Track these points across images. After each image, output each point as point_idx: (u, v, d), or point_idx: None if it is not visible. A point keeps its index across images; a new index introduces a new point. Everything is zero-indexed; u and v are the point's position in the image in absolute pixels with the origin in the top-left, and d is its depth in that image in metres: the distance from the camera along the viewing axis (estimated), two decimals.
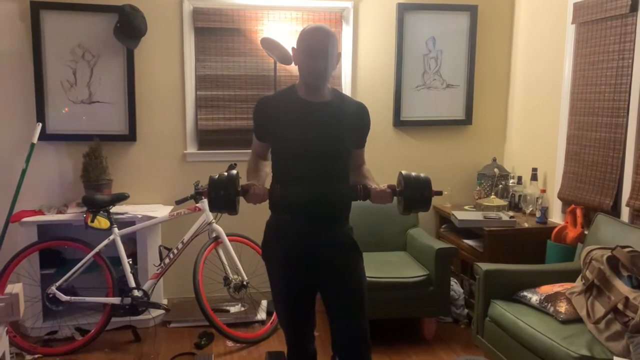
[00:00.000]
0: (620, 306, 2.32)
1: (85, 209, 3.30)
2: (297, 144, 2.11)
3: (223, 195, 1.94)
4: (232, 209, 1.99)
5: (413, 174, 2.04)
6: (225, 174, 1.99)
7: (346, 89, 3.93)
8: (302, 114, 2.12)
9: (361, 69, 3.96)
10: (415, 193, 1.98)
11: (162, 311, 3.48)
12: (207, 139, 3.84)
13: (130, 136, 3.69)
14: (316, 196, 2.07)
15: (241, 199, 2.04)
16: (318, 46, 2.04)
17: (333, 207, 2.14)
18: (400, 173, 2.05)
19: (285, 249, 2.15)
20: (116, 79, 3.64)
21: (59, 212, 3.46)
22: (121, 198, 3.36)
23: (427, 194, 1.99)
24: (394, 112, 4.01)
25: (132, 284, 3.27)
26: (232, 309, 3.63)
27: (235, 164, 3.40)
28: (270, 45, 3.52)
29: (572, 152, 3.42)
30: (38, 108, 3.54)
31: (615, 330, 2.29)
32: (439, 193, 2.04)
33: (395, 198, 2.05)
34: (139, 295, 3.26)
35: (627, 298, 2.31)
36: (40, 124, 3.43)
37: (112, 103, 3.65)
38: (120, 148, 3.71)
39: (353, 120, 2.20)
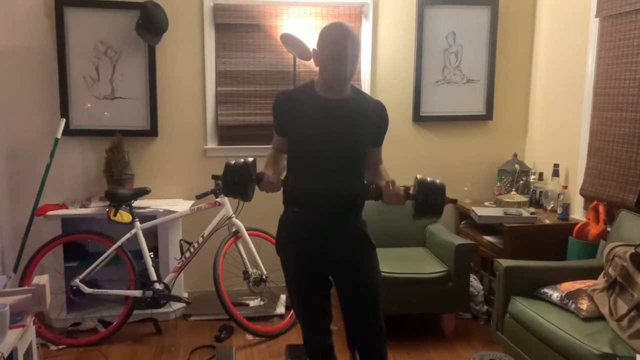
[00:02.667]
0: None
1: (107, 203, 3.35)
2: (313, 139, 2.12)
3: (237, 181, 1.97)
4: (245, 195, 2.02)
5: (429, 179, 2.01)
6: (242, 160, 2.01)
7: (365, 85, 3.93)
8: (320, 110, 2.12)
9: (380, 65, 3.95)
10: (427, 198, 1.94)
11: (182, 304, 3.53)
12: (227, 134, 3.87)
13: (151, 131, 3.73)
14: (328, 190, 2.07)
15: (260, 192, 2.05)
16: (341, 51, 2.02)
17: (345, 202, 2.15)
18: (416, 177, 2.03)
19: (297, 243, 2.17)
20: (138, 75, 3.68)
21: (83, 206, 3.52)
22: (143, 192, 3.40)
23: (440, 200, 1.95)
24: (414, 107, 4.00)
25: (154, 277, 3.32)
26: (252, 303, 3.66)
27: (255, 159, 3.42)
28: (290, 41, 3.53)
29: (595, 147, 3.37)
30: (62, 104, 3.60)
31: (639, 327, 2.27)
32: (454, 201, 2.01)
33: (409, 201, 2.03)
34: (160, 288, 3.31)
35: None
36: (64, 120, 3.49)
37: (134, 99, 3.70)
38: (142, 143, 3.76)
39: (371, 118, 2.19)
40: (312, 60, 3.66)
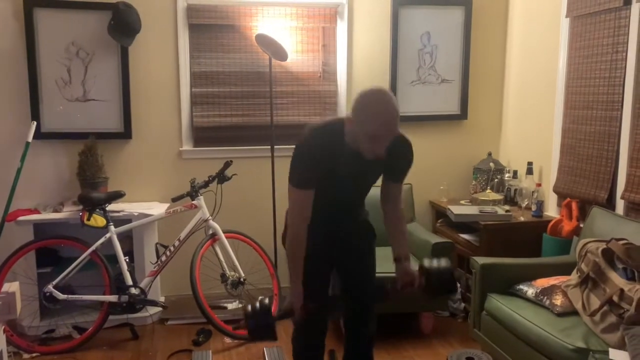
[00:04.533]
0: (615, 298, 2.33)
1: (81, 207, 3.29)
2: (336, 189, 2.09)
3: (263, 325, 1.95)
4: (273, 337, 2.00)
5: (434, 264, 2.07)
6: (257, 304, 1.97)
7: (341, 85, 3.93)
8: (351, 164, 2.02)
9: (356, 65, 3.96)
10: (442, 286, 2.05)
11: (159, 309, 3.49)
12: (203, 135, 3.84)
13: (125, 134, 3.68)
14: (337, 225, 2.20)
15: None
16: (384, 131, 1.85)
17: (354, 212, 2.26)
18: (423, 266, 2.09)
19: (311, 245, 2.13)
20: (111, 77, 3.63)
21: (55, 210, 3.46)
22: (117, 196, 3.35)
23: (452, 281, 2.06)
24: None
25: (129, 281, 3.27)
26: (230, 306, 3.63)
27: (231, 161, 3.41)
28: (265, 41, 3.52)
29: (567, 145, 3.43)
30: (33, 106, 3.53)
31: (611, 322, 2.31)
32: (456, 287, 2.14)
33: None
34: (136, 293, 3.26)
35: (622, 290, 2.32)
36: (35, 123, 3.42)
37: (107, 101, 3.64)
38: (116, 146, 3.70)
39: (396, 159, 2.10)
40: (287, 60, 3.67)
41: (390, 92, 1.90)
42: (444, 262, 2.07)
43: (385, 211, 2.27)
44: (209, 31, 3.75)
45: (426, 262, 2.09)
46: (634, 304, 2.23)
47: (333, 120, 2.09)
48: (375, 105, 1.84)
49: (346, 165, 2.01)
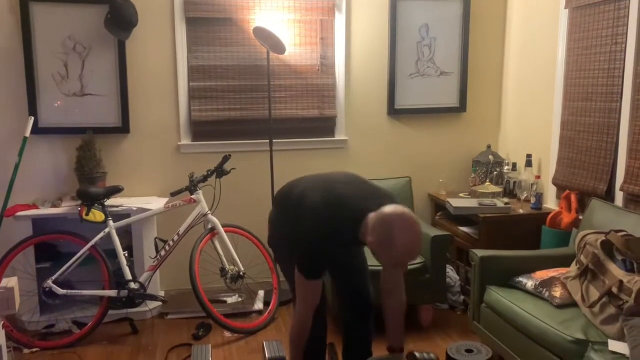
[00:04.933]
0: (614, 289, 2.33)
1: (79, 202, 3.29)
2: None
3: None
4: None
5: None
6: None
7: (340, 78, 3.92)
8: (357, 246, 2.08)
9: (354, 58, 3.94)
10: None
11: (159, 303, 3.49)
12: (201, 130, 3.83)
13: (123, 128, 3.67)
14: None
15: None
16: (411, 259, 1.85)
17: None
18: (413, 356, 2.09)
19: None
20: (108, 71, 3.61)
21: (54, 205, 3.45)
22: (115, 190, 3.35)
23: None
24: (388, 100, 4.00)
25: (129, 276, 3.27)
26: (229, 300, 3.64)
27: (230, 155, 3.40)
28: (262, 34, 3.50)
29: (566, 137, 3.42)
30: (30, 101, 3.51)
31: (610, 313, 2.31)
32: None
33: None
34: (136, 287, 3.26)
35: (621, 281, 2.32)
36: (32, 118, 3.41)
37: (104, 95, 3.62)
38: (114, 140, 3.70)
39: None
40: (285, 53, 3.66)
41: (413, 216, 1.82)
42: (432, 356, 2.07)
43: (386, 305, 2.21)
44: (207, 24, 3.73)
45: (417, 354, 2.11)
46: (633, 295, 2.23)
47: (336, 212, 1.96)
48: (402, 236, 1.76)
49: (355, 248, 2.09)
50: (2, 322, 2.08)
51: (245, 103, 3.82)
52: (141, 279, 3.31)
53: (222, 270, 3.39)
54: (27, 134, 3.35)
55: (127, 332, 3.35)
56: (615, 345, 2.16)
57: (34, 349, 3.14)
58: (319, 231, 1.92)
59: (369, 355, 2.38)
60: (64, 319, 3.36)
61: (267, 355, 1.78)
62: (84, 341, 3.20)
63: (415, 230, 1.77)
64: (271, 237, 2.31)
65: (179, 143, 3.79)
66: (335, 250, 2.01)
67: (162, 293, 3.68)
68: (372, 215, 1.84)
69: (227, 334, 3.31)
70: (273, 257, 3.21)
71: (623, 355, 2.10)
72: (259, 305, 3.64)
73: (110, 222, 3.27)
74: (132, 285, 3.26)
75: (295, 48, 3.81)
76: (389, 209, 1.80)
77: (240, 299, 3.63)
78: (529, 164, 3.71)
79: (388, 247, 1.77)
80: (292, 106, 3.88)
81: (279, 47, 3.53)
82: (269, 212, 2.32)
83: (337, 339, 2.51)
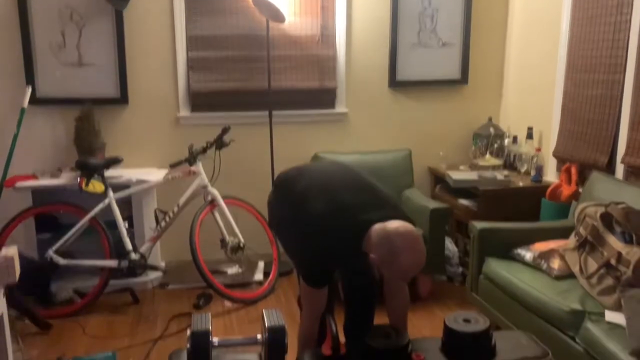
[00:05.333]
0: (613, 261, 2.35)
1: (79, 173, 3.28)
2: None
3: None
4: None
5: None
6: None
7: (340, 49, 3.87)
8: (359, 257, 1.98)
9: (356, 28, 3.89)
10: None
11: (160, 273, 3.51)
12: (200, 101, 3.79)
13: (122, 99, 3.64)
14: None
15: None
16: (414, 274, 1.83)
17: None
18: None
19: None
20: (106, 41, 3.57)
21: (53, 176, 3.45)
22: (115, 161, 3.34)
23: None
24: (389, 72, 3.96)
25: (129, 247, 3.29)
26: (230, 271, 3.66)
27: (229, 127, 3.38)
28: (262, 3, 3.45)
29: (568, 109, 3.39)
30: (27, 71, 3.48)
31: (608, 284, 2.33)
32: None
33: None
34: (136, 258, 3.28)
35: (619, 253, 2.33)
36: (30, 87, 3.38)
37: (102, 65, 3.59)
38: (113, 111, 3.67)
39: None
40: (285, 22, 3.59)
41: (418, 235, 1.80)
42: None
43: (389, 306, 2.17)
44: None
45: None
46: (631, 266, 2.25)
47: (339, 223, 1.91)
48: (407, 256, 1.75)
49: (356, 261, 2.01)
50: (3, 290, 2.09)
51: (245, 74, 3.78)
52: (142, 250, 3.32)
53: (222, 241, 3.41)
54: (25, 104, 3.33)
55: (128, 302, 3.39)
56: (612, 316, 2.18)
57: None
58: (321, 242, 1.90)
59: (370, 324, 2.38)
60: (66, 288, 3.38)
61: (266, 324, 1.79)
62: (86, 310, 3.23)
63: (419, 250, 1.77)
64: (271, 220, 2.30)
65: (178, 115, 3.76)
66: (339, 261, 1.99)
67: (162, 264, 3.71)
68: (376, 229, 1.81)
69: (228, 304, 3.35)
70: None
71: (619, 325, 2.12)
72: (259, 276, 3.66)
73: (110, 193, 3.27)
74: (133, 255, 3.28)
75: (295, 17, 3.76)
76: (393, 226, 1.78)
77: (240, 270, 3.66)
78: (530, 136, 3.69)
79: (391, 265, 1.77)
80: (292, 77, 3.84)
81: (278, 16, 3.48)
82: (269, 190, 2.31)
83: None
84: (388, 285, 2.14)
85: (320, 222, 1.92)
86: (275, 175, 3.63)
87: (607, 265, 2.37)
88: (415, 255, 1.75)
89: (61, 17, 3.48)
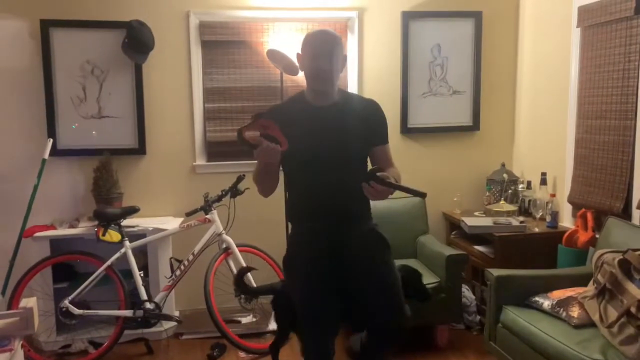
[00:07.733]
0: (633, 309, 2.30)
1: (96, 222, 3.33)
2: (306, 151, 2.12)
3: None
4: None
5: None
6: None
7: None
8: (310, 119, 2.15)
9: (367, 78, 3.98)
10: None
11: (174, 323, 3.50)
12: (216, 150, 3.87)
13: (140, 149, 3.73)
14: (330, 201, 2.15)
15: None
16: (321, 47, 2.10)
17: (350, 210, 2.20)
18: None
19: (313, 254, 2.16)
20: (125, 94, 3.68)
21: (71, 226, 3.50)
22: (132, 211, 3.39)
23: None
24: (401, 119, 4.02)
25: (144, 296, 3.29)
26: (244, 320, 3.63)
27: (244, 175, 3.43)
28: (276, 56, 3.55)
29: (581, 155, 3.40)
30: (49, 124, 3.59)
31: (629, 333, 2.27)
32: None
33: None
34: (151, 307, 3.28)
35: (639, 301, 2.29)
36: (51, 140, 3.47)
37: (121, 117, 3.69)
38: (130, 161, 3.75)
39: (363, 118, 2.20)
40: (298, 74, 3.70)
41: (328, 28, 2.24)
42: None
43: None
44: (221, 47, 3.80)
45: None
46: None
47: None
48: (312, 32, 2.19)
49: (305, 122, 2.13)
50: (21, 342, 2.10)
51: None
52: (156, 299, 3.32)
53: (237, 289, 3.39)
54: (46, 156, 3.41)
55: (142, 352, 3.36)
56: None
57: None
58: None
59: None
60: (81, 339, 3.38)
61: None
62: None
63: (325, 29, 2.19)
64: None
65: (194, 163, 3.83)
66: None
67: (177, 313, 3.69)
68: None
69: (242, 354, 3.31)
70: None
71: None
72: (273, 325, 3.63)
73: (127, 243, 3.30)
74: (148, 305, 3.27)
75: None
76: None
77: (254, 319, 3.63)
78: (543, 182, 3.69)
79: (306, 45, 2.14)
80: None
81: (292, 69, 3.57)
82: (283, 238, 2.35)
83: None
84: (375, 160, 2.26)
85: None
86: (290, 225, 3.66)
87: (627, 313, 2.32)
88: (321, 31, 2.17)
89: (83, 71, 3.61)
